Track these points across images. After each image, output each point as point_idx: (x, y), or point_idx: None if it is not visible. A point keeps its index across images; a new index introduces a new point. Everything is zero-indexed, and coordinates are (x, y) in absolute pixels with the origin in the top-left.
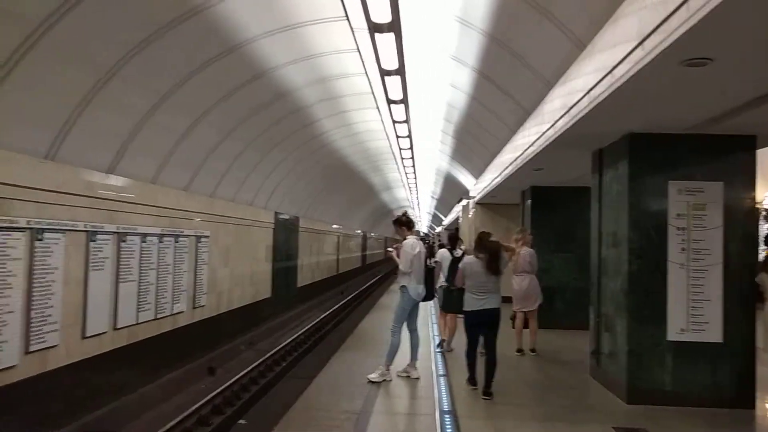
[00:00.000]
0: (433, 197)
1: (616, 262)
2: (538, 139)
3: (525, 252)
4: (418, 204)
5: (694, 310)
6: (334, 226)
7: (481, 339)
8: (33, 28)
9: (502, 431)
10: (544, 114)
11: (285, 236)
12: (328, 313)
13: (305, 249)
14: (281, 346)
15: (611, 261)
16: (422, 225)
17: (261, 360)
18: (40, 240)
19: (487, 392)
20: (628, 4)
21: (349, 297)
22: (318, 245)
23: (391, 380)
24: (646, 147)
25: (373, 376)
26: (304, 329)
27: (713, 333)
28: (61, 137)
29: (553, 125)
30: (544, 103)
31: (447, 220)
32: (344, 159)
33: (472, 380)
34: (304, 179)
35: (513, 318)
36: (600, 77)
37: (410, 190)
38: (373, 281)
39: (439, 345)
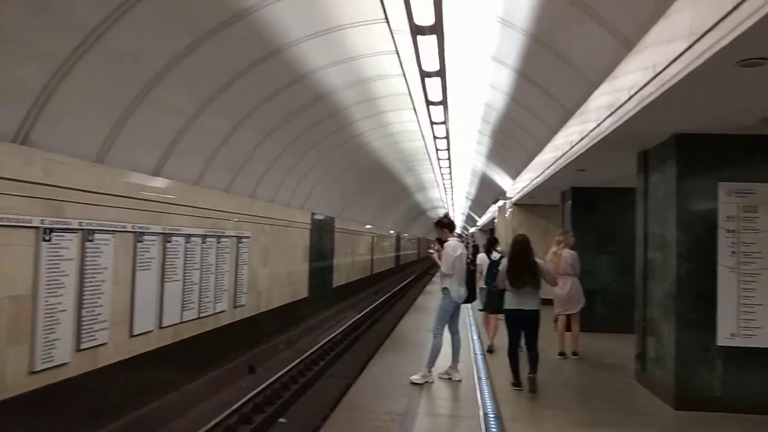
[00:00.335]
0: (467, 198)
1: (663, 265)
2: (582, 139)
3: (567, 254)
4: (452, 204)
5: (745, 315)
6: (368, 226)
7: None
8: (86, 33)
9: None
10: (588, 113)
11: (321, 237)
12: (363, 313)
13: (340, 249)
14: (319, 345)
15: (658, 264)
16: (456, 226)
17: (300, 359)
18: (91, 241)
19: (532, 385)
20: (680, 2)
21: (384, 298)
22: (353, 246)
23: (433, 382)
24: (695, 148)
25: (416, 378)
26: (340, 329)
27: (765, 338)
28: (110, 140)
29: (598, 125)
30: (588, 102)
31: (481, 221)
32: (379, 160)
33: (516, 383)
34: (339, 180)
35: (557, 321)
36: (650, 77)
37: (445, 191)
38: (406, 282)
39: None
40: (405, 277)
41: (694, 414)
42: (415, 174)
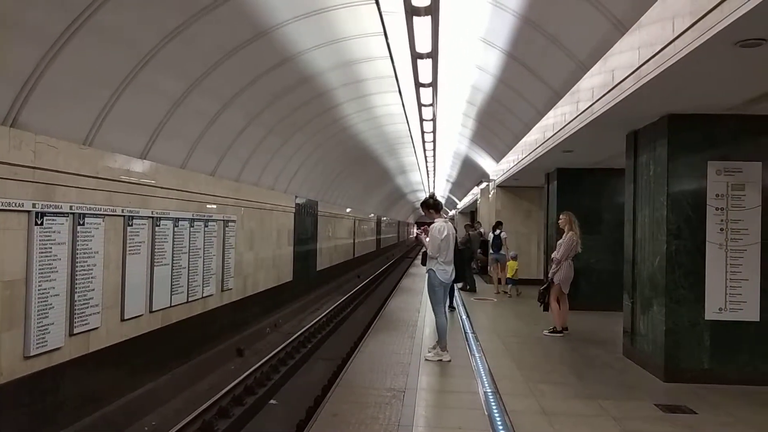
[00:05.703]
0: (448, 180)
1: (652, 243)
2: (571, 121)
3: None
4: (433, 188)
5: (731, 290)
6: (350, 210)
7: None
8: (76, 14)
9: (549, 409)
10: (579, 94)
11: (305, 220)
12: (347, 296)
13: (324, 233)
14: (305, 328)
15: (647, 242)
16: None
17: (287, 342)
18: (82, 224)
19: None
20: None
21: (366, 281)
22: (335, 229)
23: (449, 360)
24: (685, 128)
25: (430, 356)
26: (325, 312)
27: (751, 312)
28: (98, 123)
29: (590, 107)
30: (580, 82)
31: (461, 204)
32: (362, 143)
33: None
34: (322, 164)
35: (543, 300)
36: (648, 56)
37: (428, 174)
38: (387, 265)
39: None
40: (386, 260)
41: (684, 386)
42: (396, 157)
